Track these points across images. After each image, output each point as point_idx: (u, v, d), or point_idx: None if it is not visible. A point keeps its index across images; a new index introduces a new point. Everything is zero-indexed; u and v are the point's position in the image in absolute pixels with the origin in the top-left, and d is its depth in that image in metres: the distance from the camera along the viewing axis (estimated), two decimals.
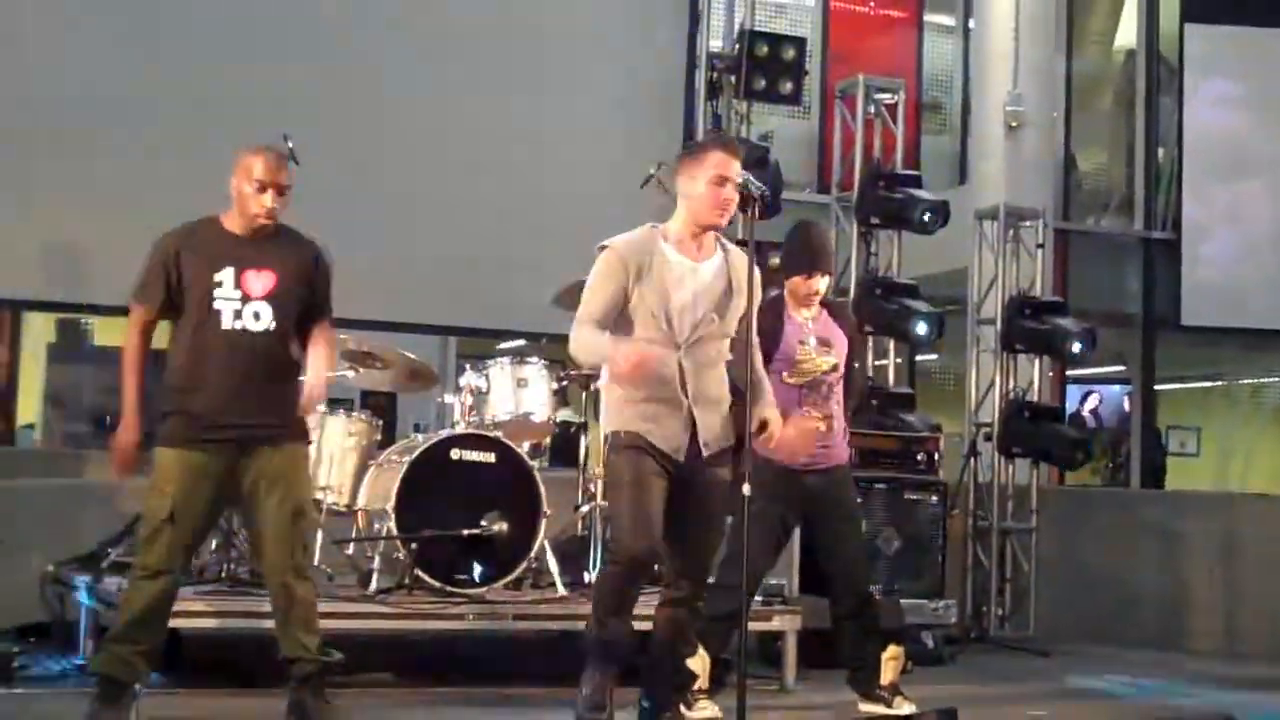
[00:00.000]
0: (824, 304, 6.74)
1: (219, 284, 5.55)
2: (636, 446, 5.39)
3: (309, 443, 5.91)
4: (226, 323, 5.55)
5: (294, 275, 5.67)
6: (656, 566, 5.63)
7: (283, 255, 5.67)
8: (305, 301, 5.72)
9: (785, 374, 6.46)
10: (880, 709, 6.58)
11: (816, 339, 6.59)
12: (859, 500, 7.38)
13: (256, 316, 5.57)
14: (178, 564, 5.57)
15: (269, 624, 5.82)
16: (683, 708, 5.89)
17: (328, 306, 5.84)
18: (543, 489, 7.19)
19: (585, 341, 5.43)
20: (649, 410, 5.42)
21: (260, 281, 5.60)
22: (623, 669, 5.57)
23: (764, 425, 5.46)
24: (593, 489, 7.72)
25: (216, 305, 5.54)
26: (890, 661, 6.67)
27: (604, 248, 5.55)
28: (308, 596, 5.71)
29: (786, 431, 5.59)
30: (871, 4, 15.04)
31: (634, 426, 5.41)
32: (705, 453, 5.43)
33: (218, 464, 5.53)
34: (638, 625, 5.59)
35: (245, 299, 5.56)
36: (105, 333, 12.38)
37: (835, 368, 6.61)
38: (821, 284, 6.65)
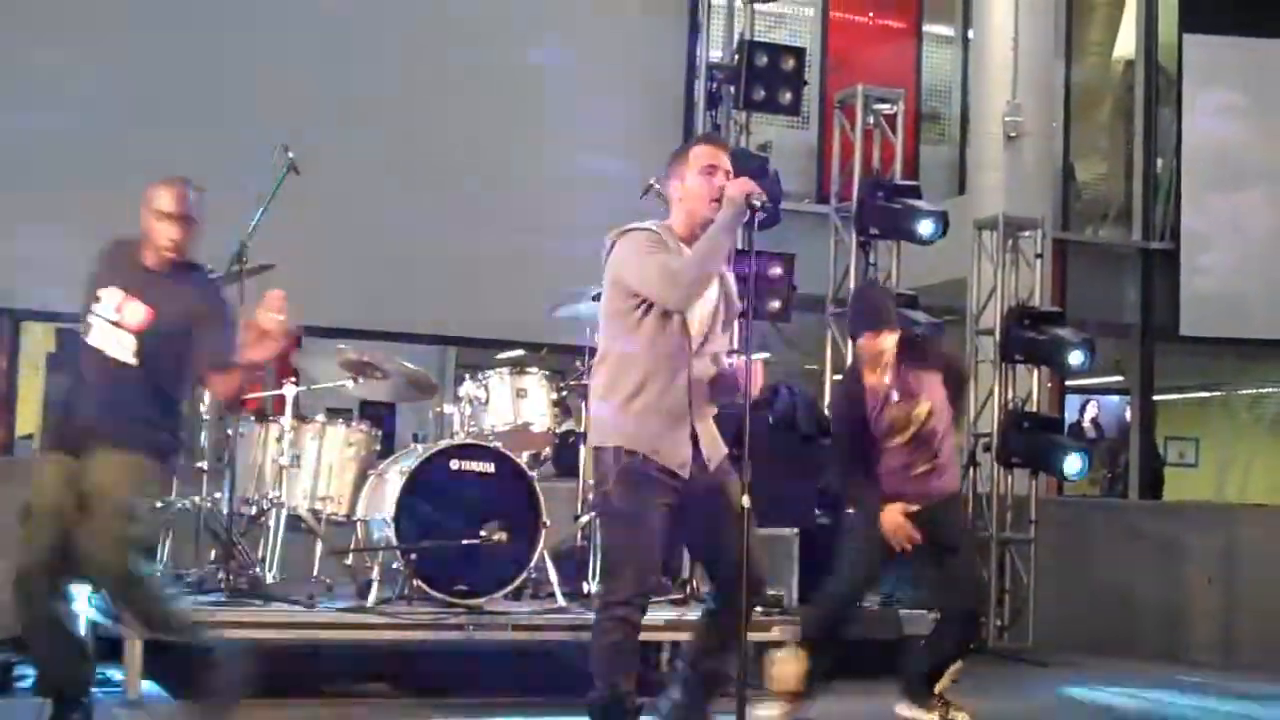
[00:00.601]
0: (904, 347, 6.76)
1: (99, 299, 5.50)
2: (639, 474, 5.12)
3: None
4: (94, 338, 5.47)
5: (172, 320, 5.48)
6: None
7: (172, 296, 5.50)
8: (181, 348, 5.50)
9: (887, 440, 6.62)
10: (932, 716, 6.76)
11: (898, 394, 6.66)
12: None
13: (119, 344, 5.45)
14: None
15: (267, 634, 5.82)
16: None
17: (221, 359, 5.55)
18: (542, 499, 7.19)
19: (678, 265, 5.11)
20: (654, 424, 5.15)
21: (136, 314, 5.47)
22: None
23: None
24: (592, 499, 7.71)
25: (91, 319, 5.49)
26: (953, 672, 6.86)
27: (631, 230, 5.27)
28: None
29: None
30: (871, 14, 15.02)
31: (638, 445, 5.13)
32: (710, 467, 5.24)
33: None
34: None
35: (117, 325, 5.45)
36: None
37: (930, 413, 6.67)
38: (888, 342, 6.68)
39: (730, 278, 5.43)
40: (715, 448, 5.31)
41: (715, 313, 5.31)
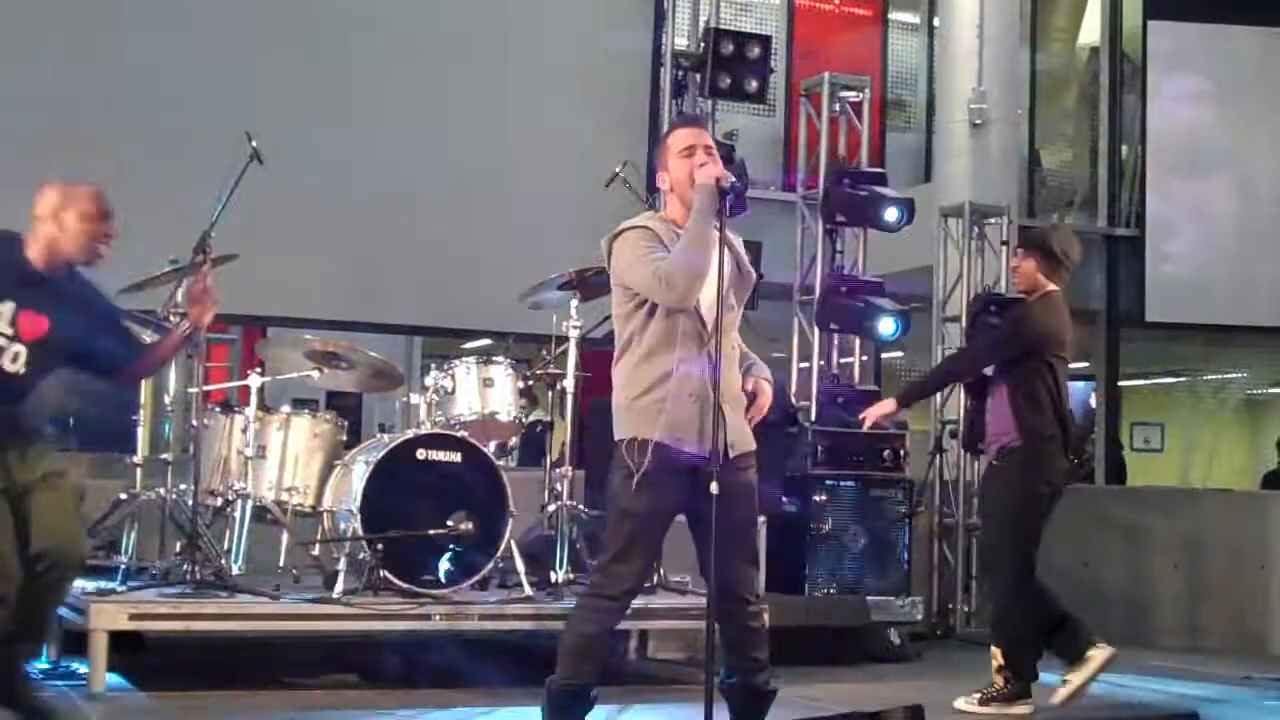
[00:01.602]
0: None
1: None
2: (660, 468, 4.98)
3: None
4: None
5: (68, 328, 5.33)
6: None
7: (66, 303, 5.34)
8: (69, 351, 5.36)
9: None
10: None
11: None
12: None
13: (15, 358, 5.23)
14: None
15: (232, 626, 5.78)
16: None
17: (118, 363, 5.48)
18: (509, 489, 7.18)
19: (667, 262, 4.98)
20: (674, 411, 5.01)
21: (35, 327, 5.26)
22: None
23: (754, 397, 5.16)
24: (559, 488, 7.71)
25: None
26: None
27: (624, 231, 5.16)
28: None
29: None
30: (836, 2, 15.06)
31: (654, 434, 4.99)
32: (732, 453, 5.04)
33: None
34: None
35: (15, 338, 5.22)
36: None
37: None
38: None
39: (738, 242, 5.28)
40: (740, 434, 5.14)
41: (726, 284, 5.06)
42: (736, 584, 5.04)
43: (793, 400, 9.76)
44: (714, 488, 4.83)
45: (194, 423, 7.26)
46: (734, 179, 5.12)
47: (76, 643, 6.52)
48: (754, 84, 10.23)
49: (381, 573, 6.90)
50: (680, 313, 5.02)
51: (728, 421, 4.98)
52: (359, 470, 7.15)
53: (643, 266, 5.02)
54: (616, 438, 5.10)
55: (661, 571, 7.63)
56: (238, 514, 7.34)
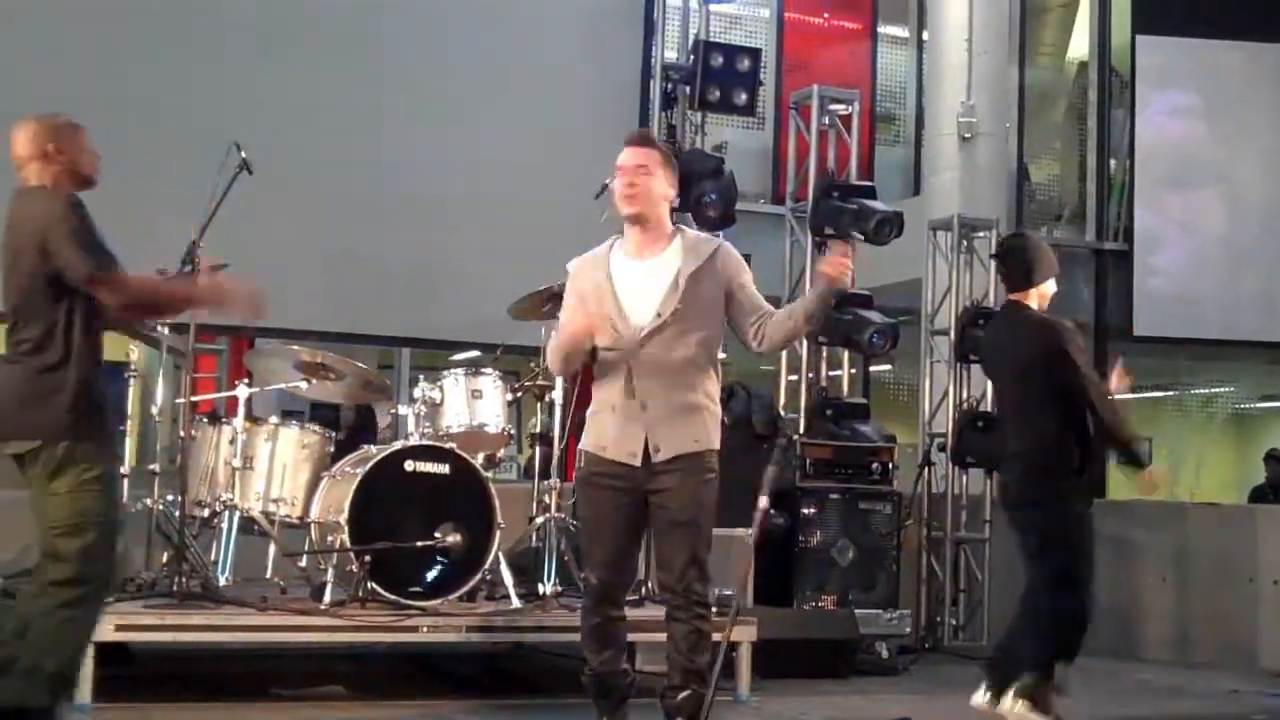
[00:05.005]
0: None
1: None
2: (591, 473, 5.44)
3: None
4: None
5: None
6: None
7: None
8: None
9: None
10: None
11: None
12: None
13: None
14: None
15: (219, 637, 5.76)
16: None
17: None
18: (497, 501, 7.17)
19: (552, 345, 5.59)
20: (602, 421, 5.44)
21: None
22: (621, 703, 5.56)
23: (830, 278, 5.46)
24: (546, 500, 7.70)
25: None
26: None
27: (570, 266, 5.65)
28: None
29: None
30: (826, 16, 15.09)
31: (590, 445, 5.46)
32: (655, 458, 5.33)
33: None
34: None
35: None
36: None
37: None
38: None
39: (697, 250, 5.50)
40: (667, 441, 5.35)
41: (637, 304, 5.39)
42: (672, 579, 5.37)
43: (781, 413, 9.75)
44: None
45: (181, 433, 7.25)
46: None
47: None
48: (743, 97, 10.23)
49: (369, 584, 6.88)
50: (603, 336, 5.39)
51: (655, 427, 5.32)
52: (347, 481, 7.13)
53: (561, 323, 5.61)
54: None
55: (649, 585, 7.63)
56: (225, 525, 7.31)
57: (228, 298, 5.56)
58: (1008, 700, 6.31)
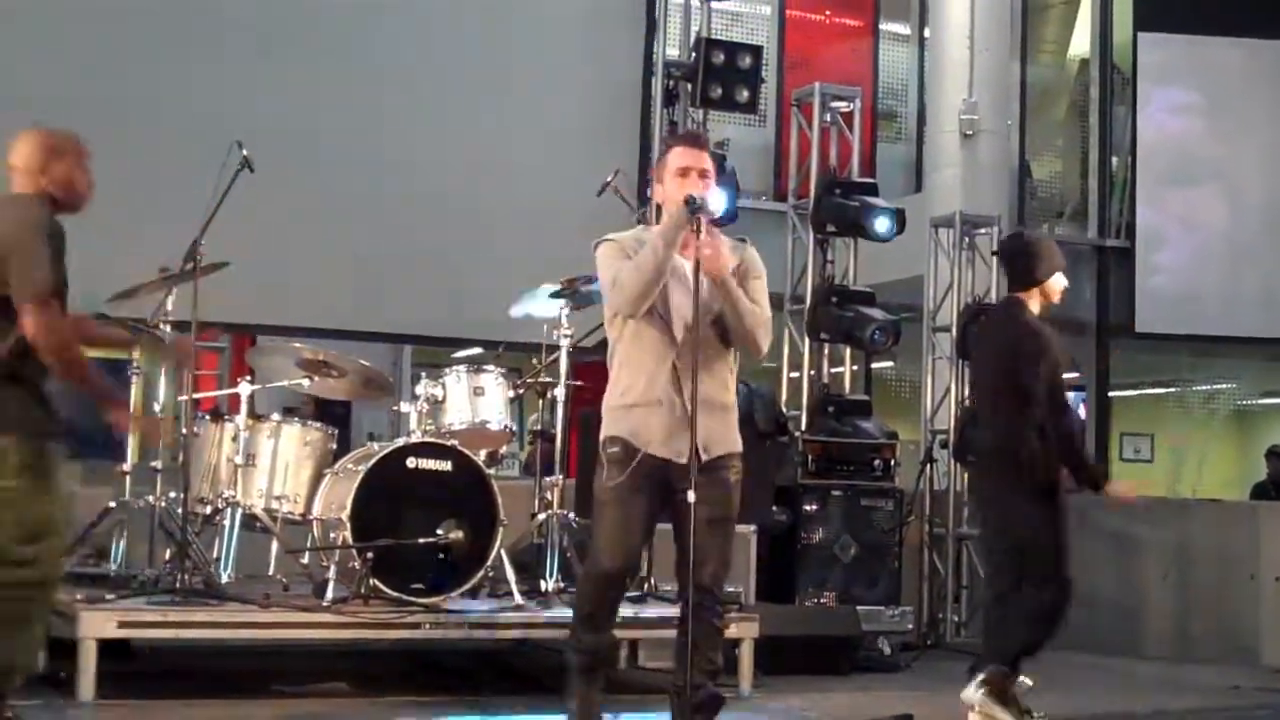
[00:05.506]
0: None
1: None
2: (622, 460, 5.37)
3: None
4: None
5: None
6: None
7: None
8: None
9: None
10: None
11: None
12: None
13: None
14: None
15: (221, 634, 5.76)
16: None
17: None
18: (499, 497, 7.17)
19: (627, 270, 5.33)
20: (640, 414, 5.38)
21: None
22: (605, 680, 5.63)
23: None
24: (549, 497, 7.70)
25: None
26: None
27: (601, 242, 5.52)
28: None
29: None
30: (827, 13, 15.08)
31: (628, 436, 5.39)
32: (704, 457, 5.29)
33: None
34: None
35: None
36: None
37: None
38: None
39: (739, 258, 5.49)
40: (714, 438, 5.39)
41: (688, 302, 5.29)
42: (705, 576, 5.30)
43: (783, 410, 9.76)
44: (690, 495, 5.12)
45: (184, 430, 7.25)
46: (701, 196, 5.30)
47: (65, 650, 6.49)
48: (745, 94, 10.24)
49: (371, 581, 6.88)
50: (650, 320, 5.34)
51: (702, 426, 5.21)
52: (349, 478, 7.12)
53: (605, 274, 5.44)
54: (602, 435, 5.50)
55: (652, 581, 7.63)
56: (227, 522, 7.31)
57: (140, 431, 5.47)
58: (969, 689, 6.35)
